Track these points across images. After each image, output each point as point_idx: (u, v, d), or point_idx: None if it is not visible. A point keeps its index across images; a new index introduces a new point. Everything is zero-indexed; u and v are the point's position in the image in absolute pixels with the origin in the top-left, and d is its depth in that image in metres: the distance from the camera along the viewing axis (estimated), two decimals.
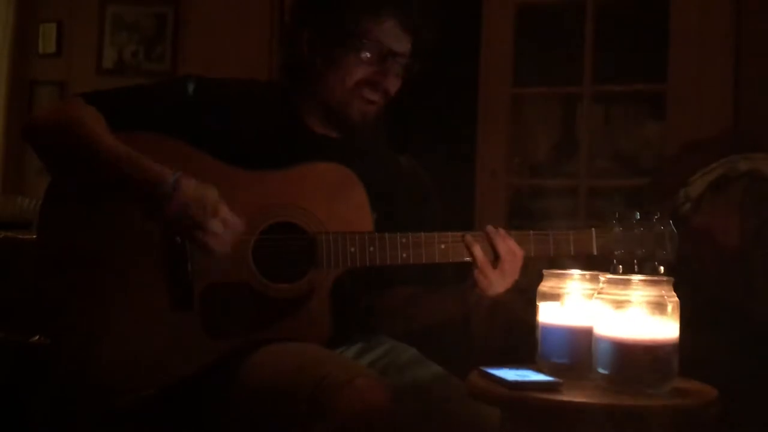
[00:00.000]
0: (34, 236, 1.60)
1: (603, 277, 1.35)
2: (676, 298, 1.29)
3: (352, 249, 1.58)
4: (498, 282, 1.57)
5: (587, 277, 1.43)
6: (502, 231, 1.59)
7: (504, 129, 3.24)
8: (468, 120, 3.30)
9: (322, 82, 1.67)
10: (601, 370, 1.29)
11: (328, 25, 1.66)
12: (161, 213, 1.46)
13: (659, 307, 1.27)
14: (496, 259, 1.57)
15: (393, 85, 1.67)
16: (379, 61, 1.65)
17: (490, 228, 1.59)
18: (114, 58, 4.08)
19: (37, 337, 2.07)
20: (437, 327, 1.74)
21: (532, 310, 1.46)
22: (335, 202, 1.61)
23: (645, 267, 1.56)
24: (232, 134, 1.63)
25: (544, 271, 1.46)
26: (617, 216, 1.60)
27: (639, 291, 1.28)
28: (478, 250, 1.57)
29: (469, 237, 1.59)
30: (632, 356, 1.26)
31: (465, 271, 1.60)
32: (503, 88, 3.24)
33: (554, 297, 1.44)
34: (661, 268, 1.55)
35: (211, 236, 1.46)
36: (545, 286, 1.45)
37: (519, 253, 1.58)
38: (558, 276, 1.45)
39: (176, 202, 1.45)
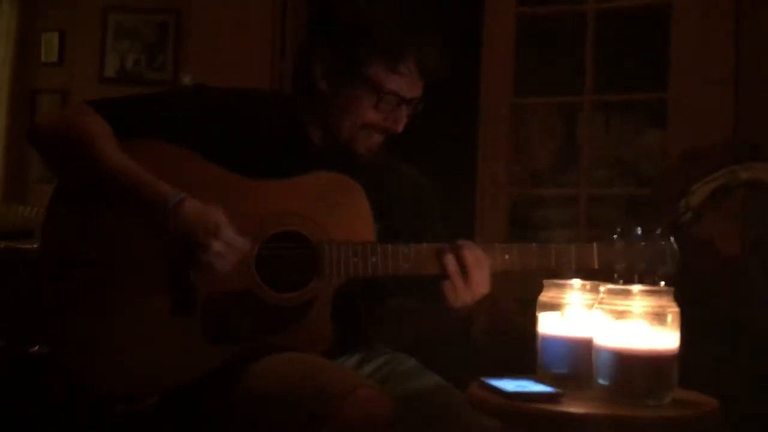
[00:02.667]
0: (36, 246, 1.60)
1: (603, 287, 1.35)
2: (677, 309, 1.29)
3: (355, 259, 1.58)
4: (466, 294, 1.56)
5: (587, 287, 1.43)
6: (468, 242, 1.58)
7: (505, 138, 3.25)
8: (469, 129, 3.30)
9: (329, 112, 1.66)
10: (601, 381, 1.29)
11: (341, 60, 1.63)
12: (163, 231, 1.48)
13: (659, 317, 1.27)
14: (463, 269, 1.56)
15: (402, 126, 1.67)
16: (394, 109, 1.64)
17: (462, 241, 1.58)
18: (116, 66, 4.09)
19: (37, 347, 2.07)
20: (437, 337, 1.74)
21: (532, 321, 1.46)
22: (338, 212, 1.62)
23: (645, 282, 1.56)
24: (236, 143, 1.64)
25: (545, 281, 1.46)
26: (619, 230, 1.60)
27: (639, 301, 1.28)
28: (450, 260, 1.56)
29: (440, 247, 1.58)
30: (632, 367, 1.26)
31: None
32: (504, 98, 3.24)
33: (554, 307, 1.43)
34: (662, 283, 1.55)
35: (212, 256, 1.47)
36: (545, 296, 1.45)
37: (485, 262, 1.57)
38: (558, 286, 1.45)
39: (178, 224, 1.47)
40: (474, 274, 1.55)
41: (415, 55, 1.62)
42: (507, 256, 1.61)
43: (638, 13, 3.21)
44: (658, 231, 1.59)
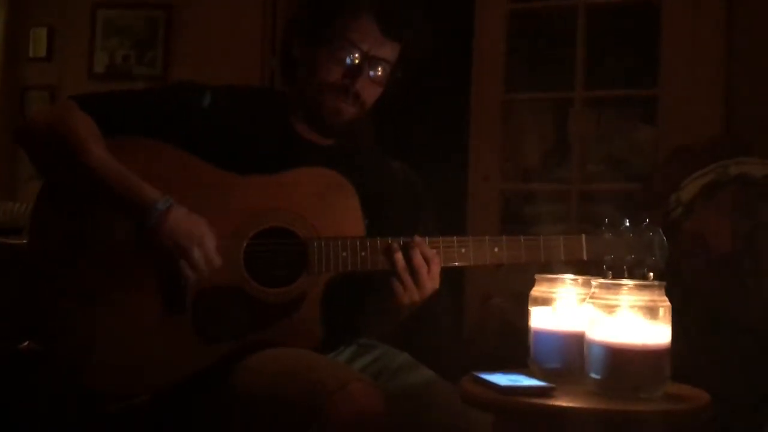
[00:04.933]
0: (26, 241, 1.59)
1: (595, 281, 1.35)
2: (668, 303, 1.30)
3: (344, 254, 1.58)
4: (414, 291, 1.56)
5: (579, 281, 1.43)
6: (418, 239, 1.57)
7: (496, 134, 3.25)
8: (460, 125, 3.30)
9: (301, 79, 1.68)
10: (593, 375, 1.29)
11: (311, 26, 1.66)
12: (149, 238, 1.48)
13: (651, 311, 1.27)
14: (411, 268, 1.56)
15: (367, 90, 1.65)
16: (353, 65, 1.63)
17: (417, 237, 1.58)
18: (105, 62, 4.07)
19: (26, 343, 2.06)
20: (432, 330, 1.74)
21: (524, 315, 1.46)
22: (327, 207, 1.61)
23: (635, 273, 1.57)
24: (224, 139, 1.63)
25: (536, 276, 1.46)
26: (607, 222, 1.61)
27: (631, 296, 1.29)
28: (398, 257, 1.56)
29: (394, 244, 1.58)
30: (624, 361, 1.26)
31: (453, 275, 1.60)
32: (495, 94, 3.24)
33: (546, 302, 1.44)
34: (651, 275, 1.56)
35: (193, 266, 1.49)
36: (537, 290, 1.45)
37: (435, 260, 1.57)
38: (550, 281, 1.45)
39: (163, 230, 1.47)
40: (422, 274, 1.55)
41: (374, 6, 1.62)
42: (496, 249, 1.61)
43: (629, 9, 3.21)
44: (646, 222, 1.59)
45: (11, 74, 4.29)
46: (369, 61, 1.63)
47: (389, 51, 1.65)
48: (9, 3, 4.29)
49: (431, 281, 1.57)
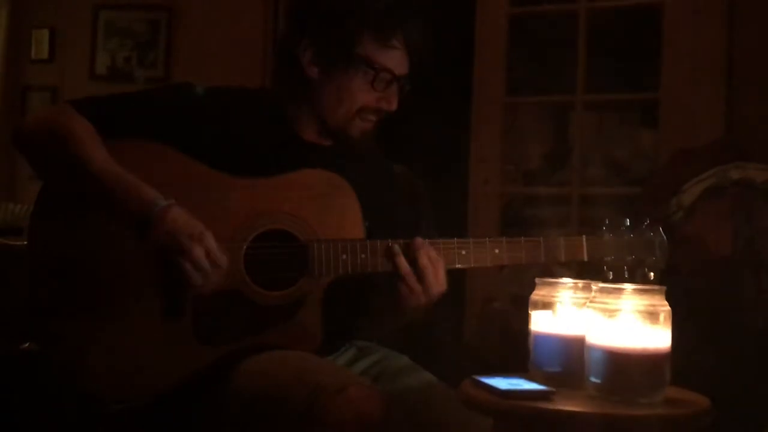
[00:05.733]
0: (26, 243, 1.59)
1: (595, 285, 1.35)
2: (668, 307, 1.29)
3: (344, 256, 1.57)
4: (420, 294, 1.56)
5: (579, 285, 1.43)
6: (420, 241, 1.57)
7: (497, 137, 3.25)
8: (461, 128, 3.30)
9: (321, 99, 1.66)
10: (593, 379, 1.29)
11: (331, 41, 1.64)
12: (148, 238, 1.48)
13: (651, 315, 1.27)
14: (416, 271, 1.56)
15: (395, 106, 1.67)
16: (387, 89, 1.65)
17: (418, 239, 1.58)
18: (107, 64, 4.08)
19: (27, 344, 2.06)
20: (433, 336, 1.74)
21: (525, 319, 1.46)
22: (327, 210, 1.61)
23: (635, 273, 1.57)
24: (224, 141, 1.63)
25: (537, 280, 1.46)
26: (607, 223, 1.61)
27: (631, 300, 1.29)
28: (401, 261, 1.56)
29: (395, 247, 1.58)
30: (624, 365, 1.26)
31: (454, 279, 1.60)
32: (496, 97, 3.25)
33: (546, 306, 1.43)
34: (651, 275, 1.56)
35: (194, 264, 1.47)
36: (537, 294, 1.45)
37: (440, 262, 1.57)
38: (550, 285, 1.45)
39: (163, 229, 1.46)
40: (428, 276, 1.55)
41: (403, 27, 1.63)
42: (497, 250, 1.61)
43: (630, 13, 3.21)
44: (647, 222, 1.59)
45: (13, 75, 4.29)
46: (398, 81, 1.65)
47: (408, 65, 1.67)
48: (11, 4, 4.29)
49: (438, 284, 1.57)
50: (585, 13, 3.14)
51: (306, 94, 1.68)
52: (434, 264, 1.56)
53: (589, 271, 1.56)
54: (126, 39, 4.05)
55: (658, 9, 3.01)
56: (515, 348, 1.52)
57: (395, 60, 1.64)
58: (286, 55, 1.70)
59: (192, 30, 3.92)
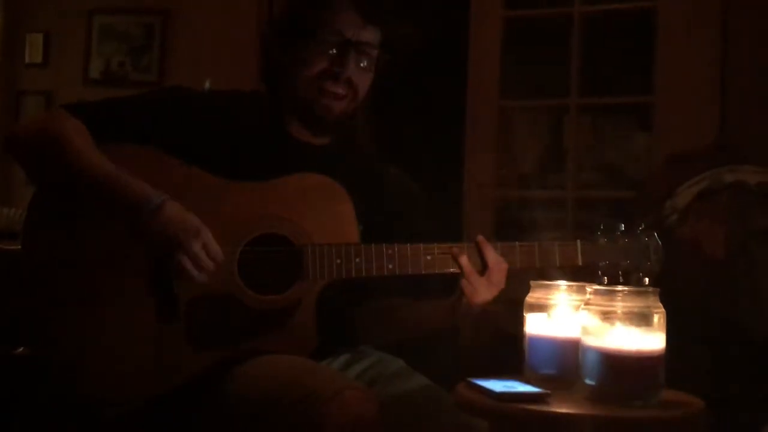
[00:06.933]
0: (21, 247, 1.59)
1: (590, 288, 1.35)
2: (663, 309, 1.30)
3: (338, 260, 1.57)
4: (484, 291, 1.57)
5: (574, 288, 1.44)
6: (484, 240, 1.60)
7: (491, 141, 3.25)
8: (456, 132, 3.30)
9: (288, 76, 1.68)
10: (588, 381, 1.29)
11: (292, 23, 1.68)
12: (144, 233, 1.47)
13: (646, 318, 1.28)
14: (484, 268, 1.58)
15: (358, 76, 1.67)
16: (339, 52, 1.65)
17: (480, 238, 1.60)
18: (101, 68, 4.07)
19: (21, 349, 2.05)
20: (425, 338, 1.74)
21: (520, 321, 1.46)
22: (321, 214, 1.61)
23: (630, 278, 1.57)
24: (217, 145, 1.63)
25: (532, 282, 1.46)
26: (602, 227, 1.61)
27: (625, 302, 1.29)
28: (464, 260, 1.58)
29: (455, 249, 1.59)
30: (619, 367, 1.27)
31: (450, 282, 1.61)
32: (491, 100, 3.24)
33: (541, 308, 1.44)
34: (646, 280, 1.56)
35: (192, 258, 1.46)
36: (532, 297, 1.45)
37: (505, 263, 1.59)
38: (545, 287, 1.45)
39: (159, 225, 1.46)
40: (496, 272, 1.57)
41: None
42: None
43: (624, 16, 3.22)
44: (642, 227, 1.60)
45: (7, 79, 4.28)
46: (354, 47, 1.65)
47: (371, 35, 1.67)
48: (5, 8, 4.28)
49: (500, 283, 1.59)
50: (579, 16, 3.14)
51: (284, 86, 1.69)
52: (501, 263, 1.59)
53: (583, 273, 1.56)
54: (120, 43, 4.04)
55: (652, 13, 3.01)
56: (510, 350, 1.52)
57: (348, 23, 1.65)
58: (266, 54, 1.73)
59: (186, 34, 3.91)
